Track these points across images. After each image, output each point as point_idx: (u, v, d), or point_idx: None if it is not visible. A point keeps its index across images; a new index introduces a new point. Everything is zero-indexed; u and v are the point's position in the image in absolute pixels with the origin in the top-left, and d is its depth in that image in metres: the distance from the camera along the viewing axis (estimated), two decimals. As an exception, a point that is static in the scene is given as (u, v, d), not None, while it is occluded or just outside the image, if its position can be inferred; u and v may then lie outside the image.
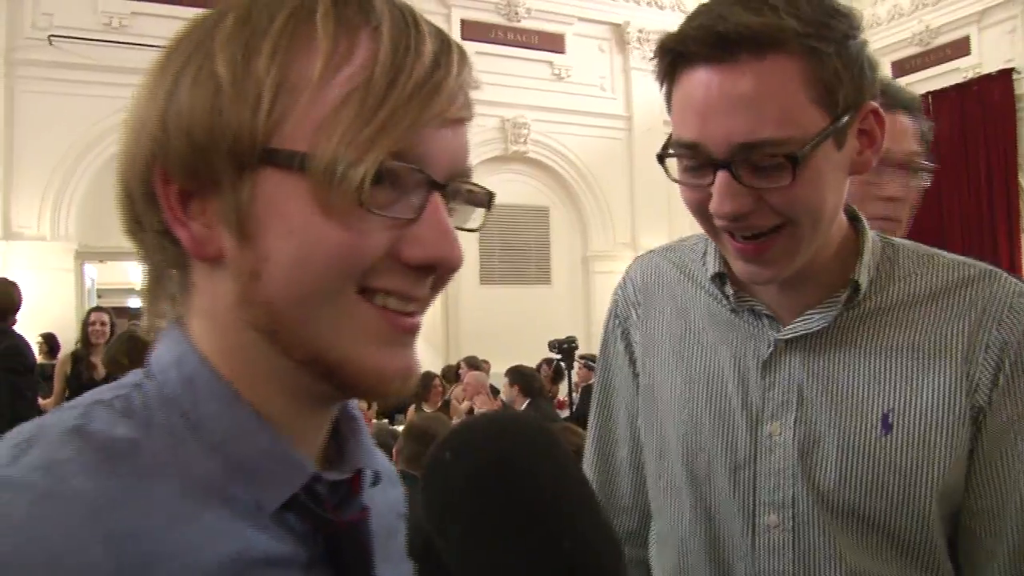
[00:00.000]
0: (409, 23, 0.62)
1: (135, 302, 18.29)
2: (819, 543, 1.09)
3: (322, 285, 0.60)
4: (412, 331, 0.65)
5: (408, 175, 0.61)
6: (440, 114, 0.62)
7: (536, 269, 12.26)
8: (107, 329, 6.26)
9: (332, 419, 0.72)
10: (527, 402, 7.01)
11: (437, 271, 0.64)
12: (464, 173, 0.67)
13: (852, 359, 1.10)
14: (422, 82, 0.60)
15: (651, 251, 1.35)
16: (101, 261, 11.28)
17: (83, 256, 10.25)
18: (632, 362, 1.30)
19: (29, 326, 6.81)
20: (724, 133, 0.97)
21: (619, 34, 12.62)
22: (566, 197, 12.42)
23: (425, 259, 0.63)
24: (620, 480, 1.33)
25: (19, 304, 5.16)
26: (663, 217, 11.89)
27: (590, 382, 8.04)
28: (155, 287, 0.69)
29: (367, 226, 0.60)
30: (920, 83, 12.44)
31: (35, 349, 6.76)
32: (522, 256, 12.12)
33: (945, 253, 1.16)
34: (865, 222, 1.16)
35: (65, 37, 9.49)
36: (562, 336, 8.17)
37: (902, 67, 13.07)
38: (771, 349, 1.13)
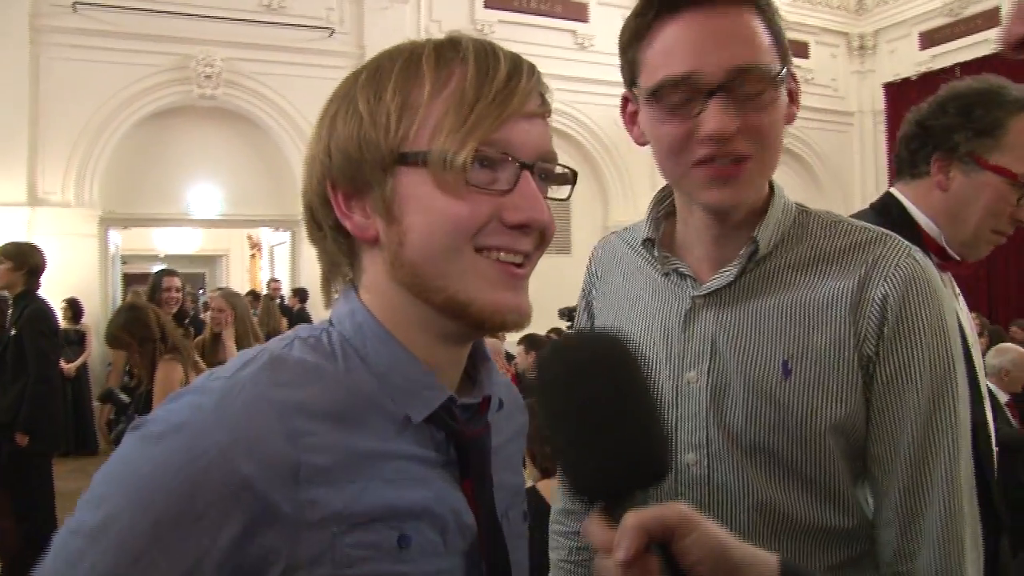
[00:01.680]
0: (488, 53, 0.86)
1: (158, 267, 18.46)
2: (730, 478, 1.20)
3: (447, 244, 0.83)
4: (521, 278, 0.87)
5: (500, 158, 0.84)
6: (516, 111, 0.84)
7: (557, 238, 12.07)
8: (181, 296, 5.88)
9: (466, 359, 0.94)
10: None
11: (532, 229, 0.86)
12: (548, 156, 0.89)
13: (757, 312, 1.22)
14: (500, 90, 0.84)
15: (612, 232, 1.52)
16: (125, 227, 11.41)
17: (107, 222, 10.37)
18: (592, 326, 1.48)
19: (53, 291, 6.88)
20: (720, 59, 1.12)
21: (643, 3, 12.52)
22: (587, 167, 12.38)
23: (520, 220, 0.85)
24: None
25: (44, 268, 5.21)
26: (685, 188, 11.82)
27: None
28: (330, 274, 0.94)
29: (474, 198, 0.83)
30: (949, 54, 12.28)
31: (58, 314, 6.78)
32: (543, 226, 12.08)
33: (851, 220, 1.28)
34: (781, 190, 1.28)
35: (90, 4, 9.53)
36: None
37: (931, 38, 12.90)
38: (689, 305, 1.27)
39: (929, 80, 11.88)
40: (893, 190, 1.90)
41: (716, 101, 1.11)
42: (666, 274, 1.31)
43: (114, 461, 0.76)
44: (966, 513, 1.15)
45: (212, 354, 5.05)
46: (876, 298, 1.16)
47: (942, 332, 1.16)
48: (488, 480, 0.92)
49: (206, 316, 5.80)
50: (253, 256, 16.89)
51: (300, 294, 11.12)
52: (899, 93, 13.17)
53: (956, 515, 1.14)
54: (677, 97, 1.14)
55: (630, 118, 1.29)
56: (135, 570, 0.70)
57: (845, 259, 1.20)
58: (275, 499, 0.74)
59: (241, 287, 14.56)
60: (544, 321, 9.35)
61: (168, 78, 10.03)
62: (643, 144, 1.27)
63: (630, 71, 1.22)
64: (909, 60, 12.83)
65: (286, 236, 12.20)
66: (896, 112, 11.15)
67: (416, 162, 0.83)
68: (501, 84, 0.84)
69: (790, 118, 1.22)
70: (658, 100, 1.16)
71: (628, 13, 1.23)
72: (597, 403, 0.77)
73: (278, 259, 13.81)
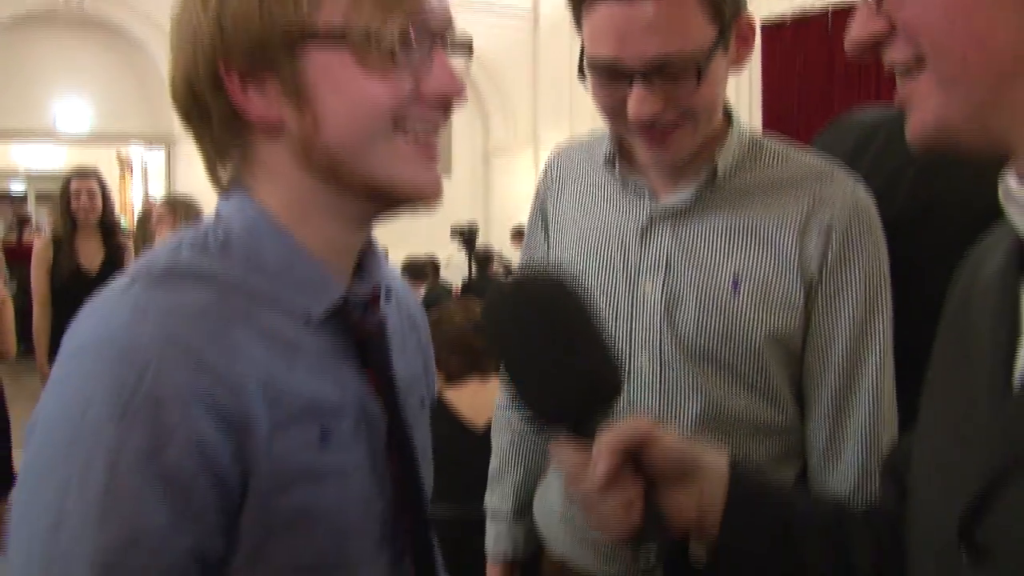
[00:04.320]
0: None
1: (18, 185, 17.43)
2: (680, 380, 1.31)
3: (370, 127, 0.80)
4: (435, 156, 0.86)
5: (419, 30, 0.80)
6: None
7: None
8: (97, 202, 4.66)
9: (359, 249, 0.92)
10: (423, 286, 7.22)
11: (448, 100, 0.85)
12: (450, 25, 0.85)
13: (711, 230, 1.31)
14: None
15: (569, 142, 1.58)
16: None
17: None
18: (547, 235, 1.52)
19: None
20: (640, 51, 1.16)
21: (527, -75, 12.49)
22: (469, 90, 12.19)
23: (442, 93, 0.83)
24: None
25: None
26: (564, 113, 12.01)
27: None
28: (213, 164, 0.87)
29: (397, 75, 0.79)
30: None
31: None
32: (424, 148, 12.09)
33: (801, 151, 1.37)
34: (737, 117, 1.36)
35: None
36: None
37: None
38: (647, 220, 1.35)
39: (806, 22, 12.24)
40: None
41: (636, 88, 1.18)
42: (625, 186, 1.38)
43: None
44: (887, 419, 1.29)
45: None
46: (823, 225, 1.27)
47: (878, 258, 1.29)
48: (389, 371, 0.91)
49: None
50: (123, 176, 16.27)
51: (177, 212, 10.82)
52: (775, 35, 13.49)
53: (879, 420, 1.28)
54: (607, 75, 1.21)
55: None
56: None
57: (795, 188, 1.30)
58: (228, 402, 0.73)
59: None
60: (427, 240, 9.44)
61: (30, -18, 9.52)
62: None
63: (578, 27, 1.25)
64: (787, 2, 13.15)
65: (160, 153, 11.85)
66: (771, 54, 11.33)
67: (332, 39, 0.77)
68: None
69: (738, 60, 1.29)
70: (593, 69, 1.23)
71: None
72: (552, 336, 0.84)
73: (152, 177, 13.41)
